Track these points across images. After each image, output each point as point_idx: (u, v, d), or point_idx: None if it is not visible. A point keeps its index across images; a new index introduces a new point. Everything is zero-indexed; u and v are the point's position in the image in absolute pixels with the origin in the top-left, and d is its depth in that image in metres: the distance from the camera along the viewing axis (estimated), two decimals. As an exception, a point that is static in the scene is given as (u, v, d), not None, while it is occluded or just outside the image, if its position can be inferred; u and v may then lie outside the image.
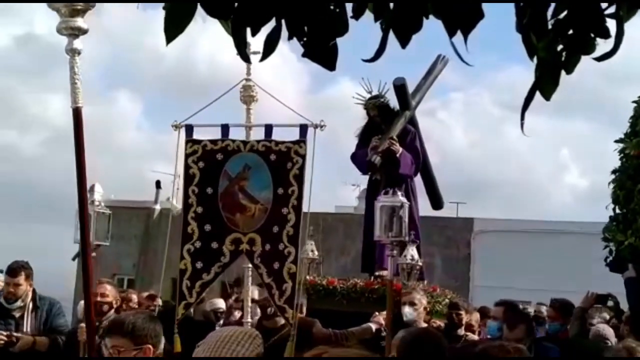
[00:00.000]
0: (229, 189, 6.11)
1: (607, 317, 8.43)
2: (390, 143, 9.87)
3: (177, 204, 15.38)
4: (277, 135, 6.16)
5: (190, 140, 6.17)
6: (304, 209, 5.82)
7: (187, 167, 6.15)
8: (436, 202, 11.33)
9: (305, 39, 2.20)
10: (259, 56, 2.29)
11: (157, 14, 2.21)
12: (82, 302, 8.28)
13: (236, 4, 2.16)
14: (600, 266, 10.53)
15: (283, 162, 6.01)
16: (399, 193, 6.63)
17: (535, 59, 2.15)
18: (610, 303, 8.38)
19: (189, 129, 6.18)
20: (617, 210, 10.24)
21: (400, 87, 10.21)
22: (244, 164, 6.13)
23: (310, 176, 5.94)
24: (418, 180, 10.64)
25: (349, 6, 2.20)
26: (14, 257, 7.86)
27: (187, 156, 6.16)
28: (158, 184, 22.08)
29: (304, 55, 2.26)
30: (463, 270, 23.19)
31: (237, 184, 6.12)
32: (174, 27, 2.16)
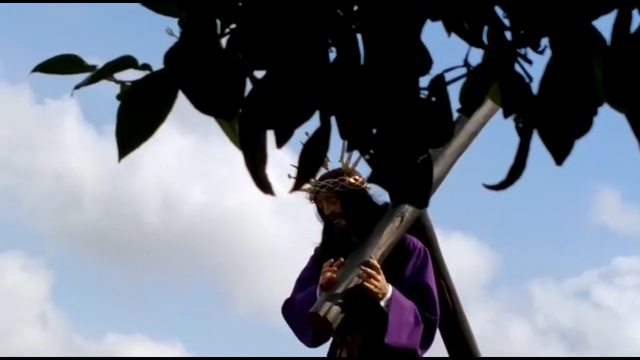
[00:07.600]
0: None
1: None
2: (364, 275, 4.06)
3: None
4: None
5: None
6: None
7: None
8: None
9: (374, 150, 1.20)
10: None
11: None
12: None
13: (249, 91, 1.18)
14: None
15: None
16: None
17: None
18: None
19: None
20: None
21: None
22: None
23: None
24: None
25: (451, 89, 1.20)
26: None
27: None
28: None
29: (371, 180, 1.27)
30: None
31: None
32: (135, 134, 1.19)
